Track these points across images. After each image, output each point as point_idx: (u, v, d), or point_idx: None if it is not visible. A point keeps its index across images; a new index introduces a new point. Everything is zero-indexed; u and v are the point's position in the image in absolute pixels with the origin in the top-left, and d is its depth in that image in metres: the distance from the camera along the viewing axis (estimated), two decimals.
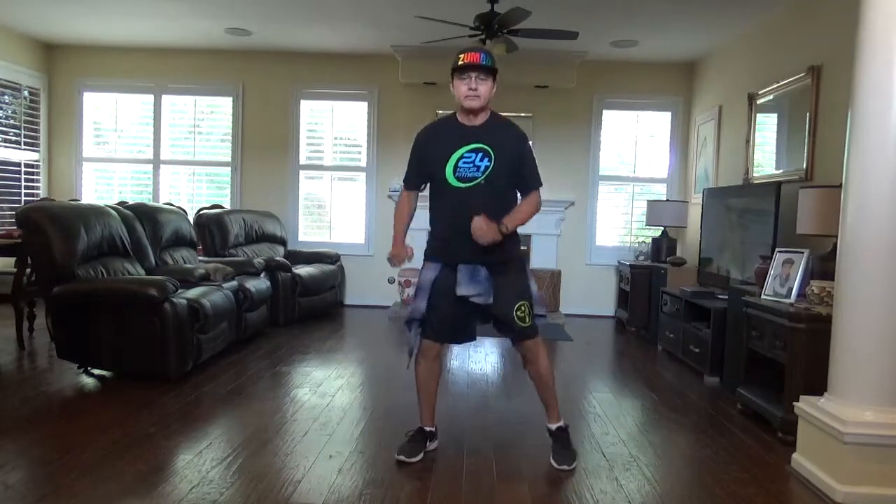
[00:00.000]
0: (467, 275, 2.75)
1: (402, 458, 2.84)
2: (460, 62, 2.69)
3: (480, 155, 2.72)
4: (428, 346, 2.88)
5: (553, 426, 2.95)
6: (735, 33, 5.73)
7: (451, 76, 2.75)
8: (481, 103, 2.72)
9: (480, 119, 2.78)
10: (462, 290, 2.73)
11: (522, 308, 2.79)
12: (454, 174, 2.73)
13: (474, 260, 2.75)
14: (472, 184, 2.72)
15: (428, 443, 2.96)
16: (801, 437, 2.90)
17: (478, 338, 3.02)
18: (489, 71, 2.70)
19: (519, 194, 2.89)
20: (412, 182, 2.94)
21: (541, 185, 2.87)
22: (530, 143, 2.92)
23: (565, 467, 2.83)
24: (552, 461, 2.87)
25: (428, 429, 2.97)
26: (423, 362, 2.92)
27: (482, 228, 2.64)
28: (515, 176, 2.82)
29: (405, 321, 2.91)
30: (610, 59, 6.81)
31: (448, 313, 2.81)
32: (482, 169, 2.72)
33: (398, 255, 2.87)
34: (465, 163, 2.72)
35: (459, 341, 3.00)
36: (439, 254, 2.84)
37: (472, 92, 2.68)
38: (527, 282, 2.85)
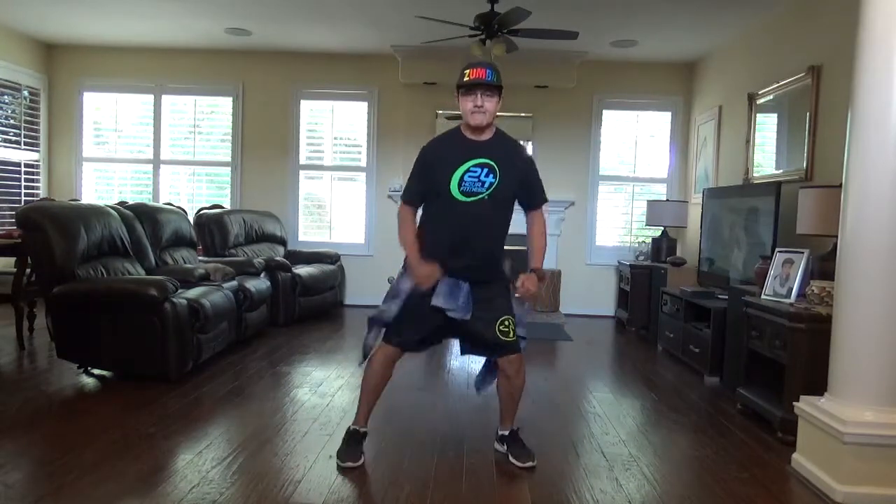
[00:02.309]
0: (447, 288, 2.73)
1: (349, 464, 2.79)
2: (466, 79, 2.66)
3: (486, 170, 2.71)
4: (390, 351, 2.84)
5: (507, 431, 2.95)
6: (735, 33, 5.73)
7: (456, 91, 2.72)
8: (487, 120, 2.70)
9: (487, 134, 2.76)
10: (438, 301, 2.71)
11: (506, 322, 2.77)
12: (459, 188, 2.70)
13: (461, 276, 2.74)
14: (475, 198, 2.71)
15: (362, 443, 2.92)
16: (801, 437, 2.91)
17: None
18: (495, 87, 2.68)
19: (525, 212, 2.87)
20: (416, 197, 2.84)
21: (546, 200, 2.89)
22: (532, 155, 2.91)
23: (530, 463, 2.83)
24: (515, 462, 2.85)
25: (363, 430, 2.92)
26: (379, 366, 2.86)
27: (533, 290, 2.70)
28: (519, 193, 2.82)
29: (369, 318, 2.86)
30: (610, 59, 6.81)
31: (419, 324, 2.78)
32: (487, 185, 2.71)
33: (429, 273, 2.69)
34: (470, 177, 2.70)
35: (420, 350, 2.99)
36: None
37: (478, 109, 2.66)
38: (510, 302, 2.83)
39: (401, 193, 2.90)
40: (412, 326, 2.80)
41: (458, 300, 2.72)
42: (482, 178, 2.70)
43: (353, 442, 2.88)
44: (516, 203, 2.86)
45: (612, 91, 7.05)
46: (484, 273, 2.78)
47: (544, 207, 2.91)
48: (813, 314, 3.16)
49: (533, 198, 2.86)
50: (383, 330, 2.84)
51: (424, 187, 2.81)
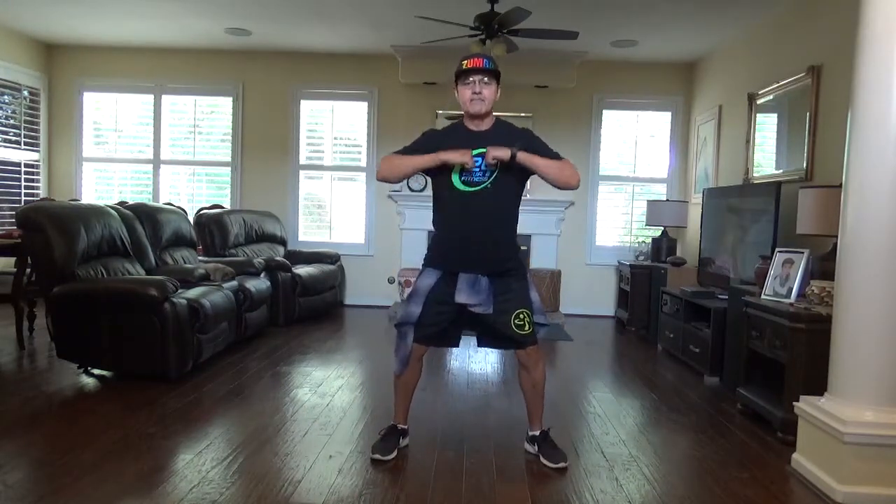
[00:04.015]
0: (468, 284, 2.75)
1: (377, 456, 2.85)
2: (463, 66, 2.70)
3: None
4: (415, 348, 2.89)
5: (537, 432, 2.97)
6: (735, 33, 5.73)
7: (454, 83, 2.75)
8: (486, 107, 2.72)
9: (487, 124, 2.78)
10: (461, 297, 2.74)
11: (521, 316, 2.79)
12: (461, 178, 2.72)
13: (476, 269, 2.76)
14: (478, 188, 2.72)
15: (401, 440, 2.98)
16: (801, 437, 2.90)
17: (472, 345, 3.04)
18: (493, 74, 2.70)
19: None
20: (409, 151, 2.81)
21: (561, 158, 2.79)
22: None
23: (562, 464, 2.84)
24: (547, 463, 2.86)
25: (401, 426, 3.00)
26: (409, 364, 2.93)
27: (494, 153, 2.61)
28: (522, 180, 2.83)
29: (396, 324, 2.92)
30: (610, 59, 6.81)
31: (440, 319, 2.82)
32: (489, 173, 2.72)
33: (461, 151, 2.65)
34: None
35: (443, 346, 3.04)
36: (441, 262, 2.84)
37: (477, 96, 2.69)
38: (528, 291, 2.85)
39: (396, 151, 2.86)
40: (433, 322, 2.83)
41: (481, 294, 2.74)
42: (483, 167, 2.71)
43: (389, 436, 2.94)
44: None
45: (612, 91, 7.05)
46: (499, 264, 2.78)
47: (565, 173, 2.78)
48: (813, 314, 3.16)
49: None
50: (412, 333, 2.86)
51: (421, 152, 2.76)
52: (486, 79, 2.69)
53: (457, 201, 2.75)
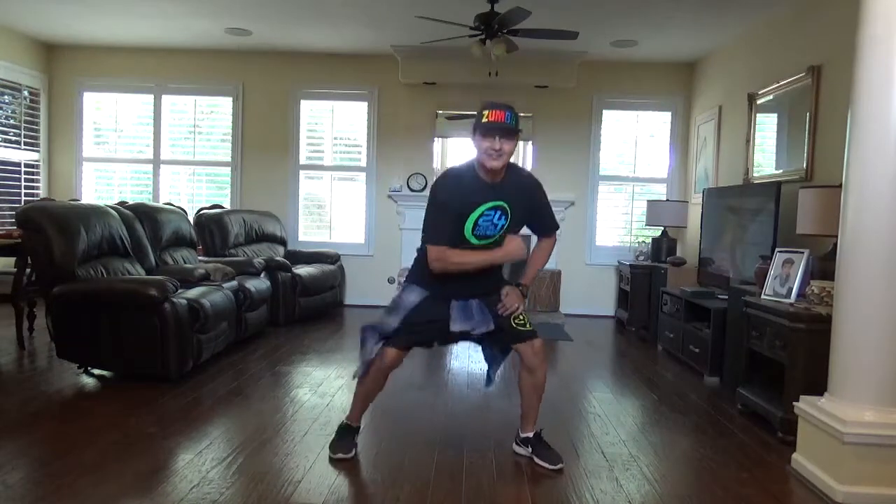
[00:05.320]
0: (460, 311, 2.76)
1: (340, 455, 2.85)
2: (485, 120, 2.60)
3: (499, 213, 2.71)
4: (393, 354, 2.78)
5: (531, 434, 2.95)
6: (735, 33, 5.73)
7: (472, 130, 2.68)
8: (504, 162, 2.66)
9: (501, 173, 2.72)
10: (457, 326, 2.74)
11: (520, 317, 2.82)
12: (473, 232, 2.70)
13: (466, 297, 2.78)
14: (488, 241, 2.74)
15: (355, 437, 2.97)
16: (801, 437, 2.90)
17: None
18: (514, 132, 2.64)
19: (535, 238, 2.93)
20: (447, 237, 2.68)
21: (557, 227, 2.96)
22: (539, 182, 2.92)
23: (560, 465, 2.83)
24: (544, 465, 2.85)
25: (355, 425, 2.97)
26: (377, 372, 2.82)
27: (513, 307, 2.78)
28: (530, 224, 2.87)
29: (366, 327, 2.81)
30: (610, 59, 6.81)
31: (421, 332, 2.81)
32: (499, 227, 2.73)
33: (518, 243, 2.75)
34: (484, 220, 2.70)
35: (429, 347, 3.07)
36: (430, 287, 2.78)
37: (496, 152, 2.60)
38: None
39: (426, 238, 2.72)
40: (414, 334, 2.80)
41: (474, 317, 2.76)
42: (495, 220, 2.71)
43: (346, 435, 2.94)
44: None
45: (612, 91, 7.04)
46: (490, 287, 2.83)
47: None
48: (813, 314, 3.16)
49: (544, 228, 2.94)
50: (381, 342, 2.79)
51: (450, 224, 2.70)
52: (507, 135, 2.62)
53: (465, 249, 2.74)
